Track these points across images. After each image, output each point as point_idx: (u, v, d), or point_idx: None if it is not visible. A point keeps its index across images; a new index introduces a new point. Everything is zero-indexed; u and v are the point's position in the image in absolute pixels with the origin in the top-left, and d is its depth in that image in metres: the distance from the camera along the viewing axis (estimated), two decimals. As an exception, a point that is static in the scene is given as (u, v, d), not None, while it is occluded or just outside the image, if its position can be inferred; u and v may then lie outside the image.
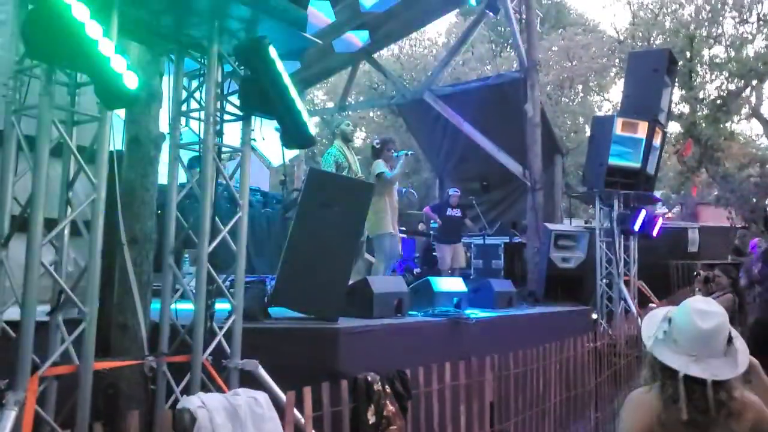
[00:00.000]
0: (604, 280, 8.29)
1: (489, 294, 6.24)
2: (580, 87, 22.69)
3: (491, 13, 10.57)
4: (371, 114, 22.85)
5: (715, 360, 1.83)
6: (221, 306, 3.40)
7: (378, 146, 6.69)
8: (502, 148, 10.23)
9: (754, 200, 15.08)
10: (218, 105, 3.18)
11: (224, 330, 3.24)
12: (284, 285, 4.32)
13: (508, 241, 10.54)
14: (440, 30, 25.42)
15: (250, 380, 3.14)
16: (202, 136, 3.14)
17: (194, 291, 3.12)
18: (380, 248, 6.47)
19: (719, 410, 1.79)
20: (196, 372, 3.07)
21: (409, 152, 7.06)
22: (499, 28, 21.61)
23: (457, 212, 9.83)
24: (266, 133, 3.72)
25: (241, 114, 3.27)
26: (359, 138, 25.30)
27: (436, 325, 4.79)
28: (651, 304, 7.50)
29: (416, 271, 11.85)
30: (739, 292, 7.21)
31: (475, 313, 5.42)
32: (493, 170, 11.00)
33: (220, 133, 3.17)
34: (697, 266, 9.59)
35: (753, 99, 17.47)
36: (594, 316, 7.70)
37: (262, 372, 3.21)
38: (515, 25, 10.22)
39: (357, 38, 10.77)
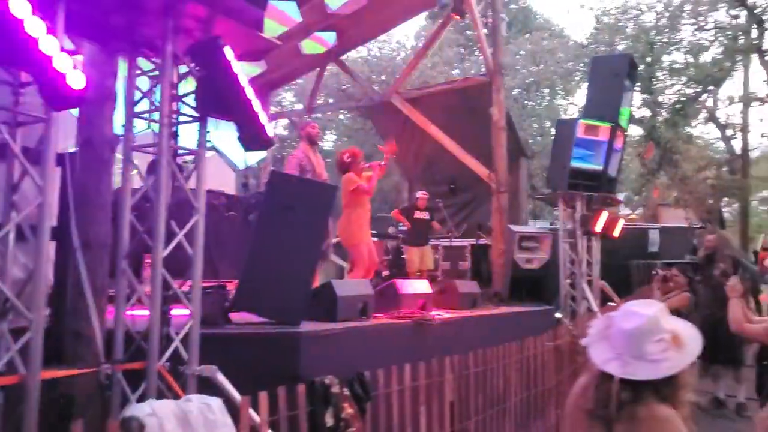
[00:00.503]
0: (568, 281, 8.40)
1: (454, 295, 6.28)
2: (546, 91, 23.02)
3: (458, 17, 10.65)
4: (340, 116, 22.80)
5: (638, 362, 1.80)
6: (181, 312, 3.34)
7: (348, 160, 6.67)
8: (468, 150, 10.31)
9: (710, 201, 15.50)
10: (173, 106, 3.13)
11: (181, 336, 3.19)
12: (246, 289, 4.27)
13: (474, 242, 10.62)
14: (408, 33, 25.63)
15: (210, 387, 3.10)
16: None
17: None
18: (359, 257, 6.53)
19: (621, 409, 1.77)
20: (152, 379, 3.02)
21: (382, 163, 7.09)
22: (467, 32, 21.81)
23: (425, 215, 9.88)
24: (227, 135, 3.68)
25: (197, 115, 3.22)
26: (329, 141, 25.25)
27: (400, 328, 4.79)
28: (610, 303, 7.63)
29: (384, 273, 11.87)
30: (695, 290, 7.41)
31: (440, 314, 5.44)
32: (460, 173, 11.08)
33: (175, 135, 3.12)
34: (657, 266, 9.81)
35: (710, 103, 17.96)
36: (558, 315, 7.80)
37: (221, 378, 3.17)
38: (481, 29, 10.32)
39: (325, 40, 10.75)
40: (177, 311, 3.30)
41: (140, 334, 3.14)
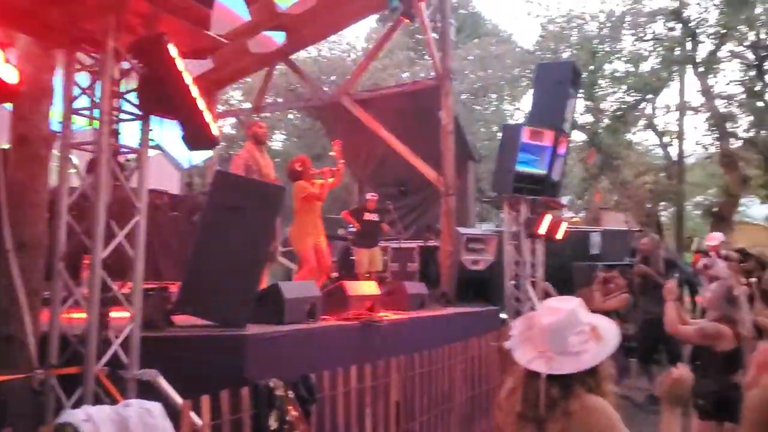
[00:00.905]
0: (512, 281, 8.58)
1: (403, 296, 6.33)
2: (494, 96, 23.43)
3: (408, 20, 10.73)
4: (289, 116, 22.60)
5: (562, 356, 1.80)
6: (121, 314, 3.25)
7: (300, 168, 6.72)
8: (418, 153, 10.39)
9: (649, 206, 16.10)
10: (114, 103, 3.04)
11: (121, 339, 3.10)
12: (189, 292, 4.19)
13: (423, 244, 10.72)
14: (359, 34, 25.62)
15: (151, 391, 3.03)
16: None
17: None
18: (306, 262, 6.63)
19: (552, 407, 1.77)
20: (89, 384, 2.93)
21: (334, 168, 7.12)
22: (418, 35, 21.98)
23: (374, 216, 9.91)
24: (172, 134, 3.60)
25: (139, 113, 3.14)
26: (277, 141, 24.98)
27: (348, 329, 4.79)
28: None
29: (333, 275, 11.83)
30: (634, 291, 7.68)
31: (388, 315, 5.47)
32: (410, 175, 11.15)
33: (116, 133, 3.04)
34: (598, 267, 10.13)
35: (648, 111, 18.68)
36: (503, 316, 7.96)
37: (163, 382, 3.10)
38: (430, 34, 10.43)
39: (273, 39, 10.64)
40: (117, 314, 3.21)
41: (77, 338, 3.03)
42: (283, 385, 2.94)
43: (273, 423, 2.79)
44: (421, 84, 11.10)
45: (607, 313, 6.51)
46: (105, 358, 3.01)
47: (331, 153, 7.09)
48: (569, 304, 1.90)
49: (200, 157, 11.25)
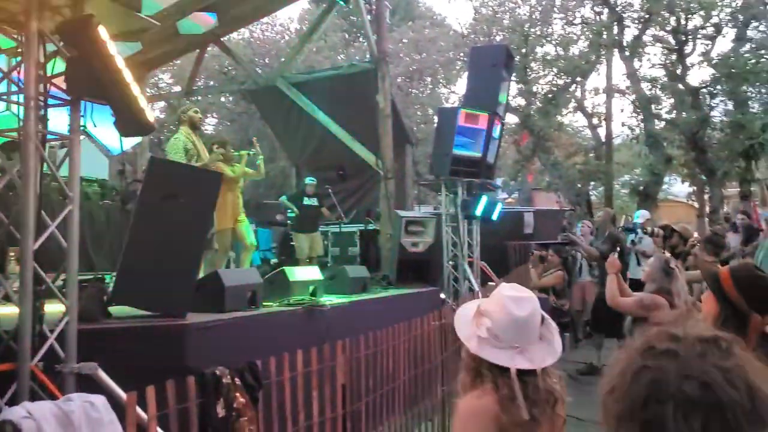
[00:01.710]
0: (450, 262, 8.76)
1: (344, 280, 6.37)
2: (429, 79, 23.61)
3: (342, 2, 10.66)
4: (222, 99, 22.06)
5: (534, 346, 1.73)
6: (55, 307, 3.14)
7: (217, 150, 6.71)
8: (356, 137, 10.39)
9: (579, 185, 16.71)
10: (40, 88, 2.90)
11: (56, 333, 3.00)
12: (125, 282, 4.07)
13: (363, 228, 10.77)
14: (292, 16, 25.20)
15: (91, 385, 2.95)
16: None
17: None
18: (221, 243, 6.69)
19: (550, 399, 1.71)
20: (24, 380, 2.82)
21: (251, 152, 7.13)
22: (352, 17, 21.85)
23: (313, 201, 9.87)
24: (103, 119, 3.47)
25: (68, 98, 3.01)
26: (209, 125, 24.37)
27: (291, 315, 4.79)
28: (490, 283, 8.06)
29: (273, 261, 11.73)
30: (568, 269, 8.00)
31: (330, 299, 5.49)
32: (348, 159, 11.15)
33: (44, 119, 2.90)
34: (532, 246, 10.48)
35: (578, 94, 19.33)
36: (442, 296, 8.12)
37: (102, 375, 3.03)
38: (365, 16, 10.41)
39: (204, 20, 10.33)
40: (51, 307, 3.09)
41: (9, 333, 2.91)
42: (229, 373, 2.92)
43: (220, 411, 2.78)
44: (358, 67, 11.07)
45: (544, 290, 6.80)
46: (40, 353, 2.90)
47: (252, 151, 7.12)
48: (527, 291, 1.81)
49: (129, 143, 10.85)
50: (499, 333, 1.72)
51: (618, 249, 6.61)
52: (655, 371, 0.86)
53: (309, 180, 10.24)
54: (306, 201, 9.82)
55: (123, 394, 2.77)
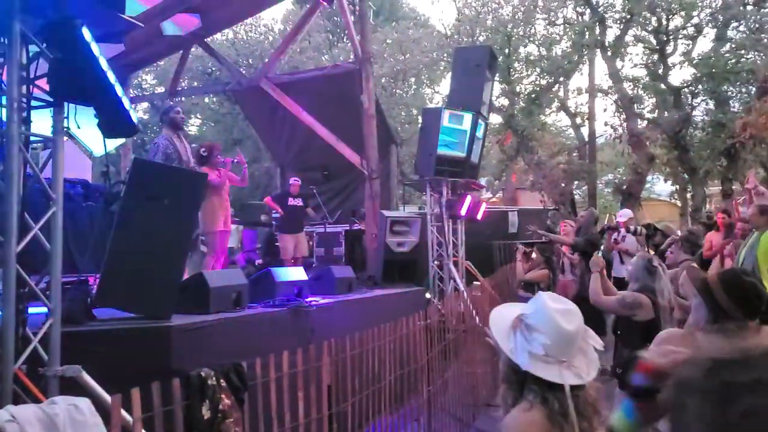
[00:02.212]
0: (435, 262, 8.81)
1: (330, 280, 6.37)
2: (412, 80, 23.67)
3: (325, 3, 10.65)
4: (206, 100, 21.95)
5: (577, 359, 1.69)
6: (38, 310, 3.12)
7: (205, 154, 6.72)
8: (340, 137, 10.39)
9: (563, 185, 16.84)
10: (23, 89, 2.88)
11: (40, 336, 2.98)
12: (109, 284, 4.06)
13: (348, 228, 10.78)
14: (276, 17, 25.14)
15: (75, 388, 2.93)
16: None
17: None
18: (212, 244, 6.74)
19: (594, 413, 1.68)
20: (7, 383, 2.80)
21: (235, 160, 7.14)
22: (335, 18, 21.83)
23: (298, 201, 9.88)
24: (86, 121, 3.45)
25: (51, 100, 3.00)
26: (194, 125, 24.24)
27: (277, 316, 4.79)
28: (475, 282, 8.11)
29: (258, 262, 11.70)
30: (552, 267, 8.06)
31: (316, 300, 5.50)
32: (333, 160, 11.14)
33: (26, 121, 2.88)
34: (516, 245, 10.56)
35: (561, 94, 19.48)
36: (428, 295, 8.16)
37: (86, 377, 3.01)
38: (349, 17, 10.41)
39: (188, 21, 10.28)
40: (34, 309, 3.07)
41: (-9, 337, 2.89)
42: (214, 374, 2.92)
43: (206, 412, 2.78)
44: (342, 67, 11.07)
45: (530, 288, 6.86)
46: (23, 356, 2.88)
47: (235, 160, 7.15)
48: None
49: (112, 144, 10.77)
50: (547, 346, 1.67)
51: (602, 249, 6.70)
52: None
53: (293, 180, 10.24)
54: (291, 201, 9.83)
55: (107, 397, 2.77)
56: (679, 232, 8.37)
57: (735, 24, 17.37)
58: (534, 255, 6.88)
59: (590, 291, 4.31)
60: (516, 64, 18.34)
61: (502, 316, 1.81)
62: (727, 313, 2.23)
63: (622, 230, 7.98)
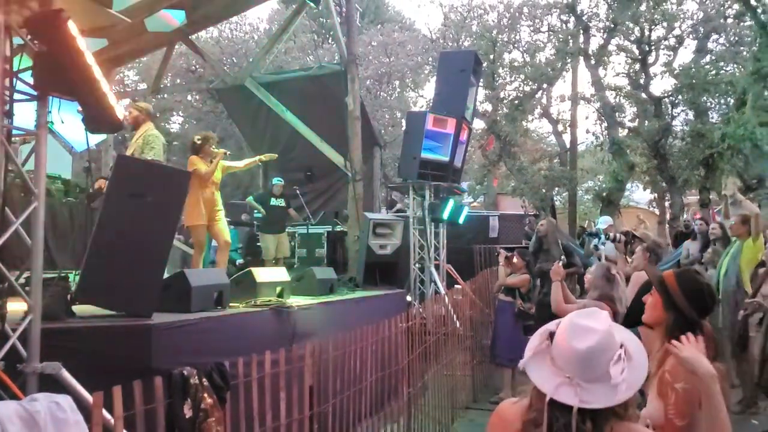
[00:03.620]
0: (417, 265, 8.84)
1: (311, 282, 6.36)
2: (397, 83, 23.71)
3: (312, 4, 10.64)
4: (188, 98, 21.77)
5: (593, 385, 1.54)
6: (17, 306, 3.08)
7: (199, 142, 6.63)
8: (324, 138, 10.39)
9: (544, 190, 16.99)
10: (7, 82, 2.85)
11: (19, 332, 2.94)
12: (90, 281, 4.00)
13: (330, 230, 10.77)
14: (262, 16, 25.03)
15: (54, 385, 2.90)
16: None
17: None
18: (196, 240, 6.67)
19: None
20: (-16, 380, 2.76)
21: (228, 153, 7.06)
22: (321, 19, 21.80)
23: (280, 202, 9.84)
24: (67, 116, 3.41)
25: (35, 93, 2.96)
26: (175, 123, 24.03)
27: (258, 316, 4.77)
28: (456, 286, 8.15)
29: (239, 262, 11.63)
30: (532, 273, 8.12)
31: (298, 301, 5.49)
32: (317, 160, 11.14)
33: (9, 114, 2.84)
34: (497, 250, 10.63)
35: (544, 100, 19.66)
36: (408, 298, 8.18)
37: (66, 375, 2.98)
38: (336, 18, 10.41)
39: (172, 18, 10.19)
40: (13, 305, 3.03)
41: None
42: (197, 373, 2.91)
43: (188, 411, 2.76)
44: (327, 68, 11.06)
45: (511, 290, 6.92)
46: (2, 353, 2.84)
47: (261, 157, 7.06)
48: (602, 323, 1.61)
49: (93, 140, 10.64)
50: (555, 356, 1.60)
51: (562, 258, 6.80)
52: None
53: (276, 180, 10.20)
54: (273, 201, 9.79)
55: (87, 395, 2.74)
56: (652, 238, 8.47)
57: (715, 36, 17.70)
58: (516, 260, 6.93)
59: (551, 299, 4.43)
60: (500, 70, 18.46)
61: (547, 327, 1.74)
62: (685, 315, 2.27)
63: (602, 237, 8.07)
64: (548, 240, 7.64)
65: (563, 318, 1.68)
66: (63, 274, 4.02)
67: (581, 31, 17.67)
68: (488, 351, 7.43)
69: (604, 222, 8.88)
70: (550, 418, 1.54)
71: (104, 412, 2.52)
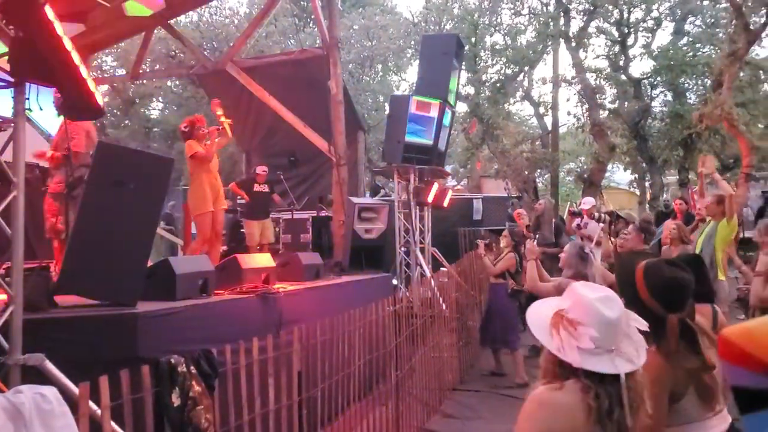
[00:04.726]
0: (403, 249, 8.86)
1: (297, 267, 6.34)
2: (379, 66, 23.58)
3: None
4: (169, 84, 21.46)
5: (624, 344, 1.65)
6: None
7: (186, 129, 6.54)
8: (307, 123, 10.31)
9: (526, 173, 17.08)
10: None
11: (0, 323, 2.90)
12: (72, 271, 3.95)
13: (315, 215, 10.74)
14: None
15: (37, 377, 2.87)
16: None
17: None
18: (200, 228, 6.52)
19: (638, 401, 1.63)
20: (-34, 373, 2.72)
21: (219, 127, 6.88)
22: (302, 2, 21.54)
23: (264, 188, 9.77)
24: (44, 102, 3.34)
25: (11, 80, 2.89)
26: (155, 109, 23.70)
27: (245, 303, 4.75)
28: (442, 269, 8.19)
29: (223, 249, 11.56)
30: (519, 253, 8.18)
31: (284, 287, 5.47)
32: (300, 145, 11.06)
33: (-14, 102, 2.78)
34: (480, 232, 10.68)
35: (525, 83, 19.70)
36: (394, 282, 8.21)
37: (50, 366, 2.95)
38: (317, 1, 10.29)
39: (151, 2, 10.01)
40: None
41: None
42: (184, 361, 2.89)
43: (176, 400, 2.75)
44: (309, 53, 10.95)
45: (501, 274, 6.97)
46: (-17, 345, 2.81)
47: (218, 113, 6.86)
48: (607, 288, 1.73)
49: (72, 127, 10.45)
50: (595, 338, 1.62)
51: (537, 237, 6.88)
52: None
53: (261, 169, 10.14)
54: (257, 187, 9.72)
55: (72, 386, 2.71)
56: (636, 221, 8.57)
57: (692, 18, 17.82)
58: (504, 239, 6.98)
59: (527, 278, 4.48)
60: (482, 53, 18.43)
61: (539, 313, 1.76)
62: (652, 311, 2.12)
63: (585, 217, 8.14)
64: (543, 219, 7.71)
65: (573, 298, 1.70)
66: (44, 264, 3.95)
67: (561, 14, 17.68)
68: (475, 333, 7.48)
69: (587, 203, 8.96)
70: (617, 397, 1.57)
71: (90, 403, 2.51)
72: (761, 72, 15.92)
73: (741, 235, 8.23)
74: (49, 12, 2.68)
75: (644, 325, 1.74)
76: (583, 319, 1.63)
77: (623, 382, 1.58)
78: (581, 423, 1.57)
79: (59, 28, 2.73)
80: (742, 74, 14.51)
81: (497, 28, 19.07)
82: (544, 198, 9.85)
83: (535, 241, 5.15)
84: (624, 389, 1.58)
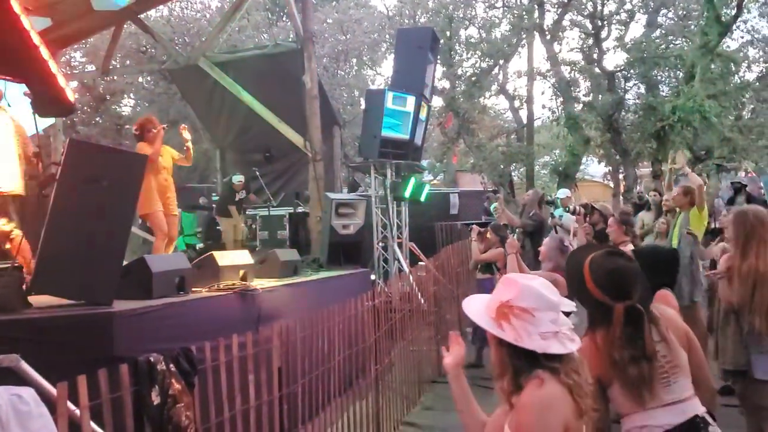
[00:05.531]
0: (380, 244, 8.86)
1: (275, 264, 6.31)
2: (354, 60, 23.49)
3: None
4: (140, 80, 21.11)
5: (563, 326, 1.75)
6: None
7: (138, 132, 6.50)
8: (282, 118, 10.24)
9: (502, 167, 17.20)
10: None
11: (-28, 325, 2.83)
12: (45, 270, 3.87)
13: (292, 211, 10.69)
14: (213, -7, 24.28)
15: (13, 378, 2.81)
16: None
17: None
18: (156, 226, 6.52)
19: None
20: (-62, 376, 2.65)
21: (165, 126, 6.88)
22: (275, -5, 21.37)
23: (243, 195, 10.00)
24: (14, 98, 3.27)
25: (-21, 76, 2.82)
26: (127, 106, 23.31)
27: (223, 300, 4.71)
28: (420, 263, 8.21)
29: (199, 246, 11.47)
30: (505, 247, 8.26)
31: (262, 283, 5.44)
32: (275, 141, 11.00)
33: (-48, 99, 2.71)
34: (458, 227, 10.73)
35: (500, 77, 19.79)
36: (372, 277, 8.21)
37: (25, 367, 2.88)
38: (290, -6, 10.21)
39: (121, -4, 9.83)
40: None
41: None
42: (164, 359, 2.86)
43: (155, 398, 2.72)
44: (283, 47, 10.88)
45: (488, 266, 7.03)
46: (-45, 348, 2.74)
47: (185, 137, 6.90)
48: (535, 276, 1.89)
49: (41, 124, 10.25)
50: (555, 321, 1.71)
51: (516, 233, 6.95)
52: None
53: (236, 178, 10.22)
54: (237, 197, 9.89)
55: (49, 386, 2.66)
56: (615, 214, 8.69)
57: (665, 11, 18.07)
58: (489, 235, 7.03)
59: (508, 271, 4.52)
60: (457, 47, 18.47)
61: (477, 310, 1.80)
62: (602, 303, 2.16)
63: (561, 208, 8.24)
64: (526, 211, 7.80)
65: (517, 288, 1.75)
66: (16, 264, 3.87)
67: (536, 7, 17.79)
68: (453, 326, 7.52)
69: (563, 194, 9.06)
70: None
71: (69, 403, 2.47)
72: (732, 64, 16.22)
73: (712, 226, 8.38)
74: (15, 5, 2.62)
75: (572, 305, 1.93)
76: (536, 305, 1.70)
77: (577, 358, 1.71)
78: (570, 409, 1.67)
79: (26, 21, 2.67)
80: (713, 66, 14.77)
81: (472, 21, 19.12)
82: (533, 190, 9.99)
83: (514, 236, 5.22)
84: (580, 364, 1.71)
